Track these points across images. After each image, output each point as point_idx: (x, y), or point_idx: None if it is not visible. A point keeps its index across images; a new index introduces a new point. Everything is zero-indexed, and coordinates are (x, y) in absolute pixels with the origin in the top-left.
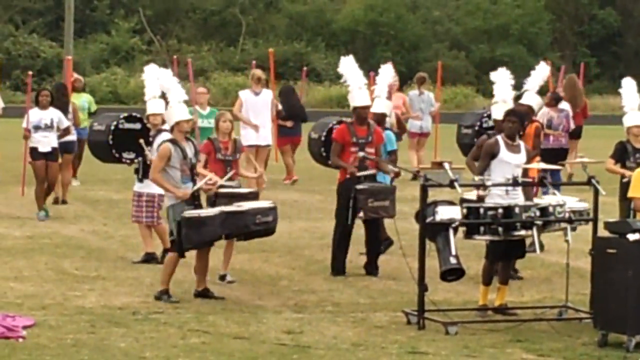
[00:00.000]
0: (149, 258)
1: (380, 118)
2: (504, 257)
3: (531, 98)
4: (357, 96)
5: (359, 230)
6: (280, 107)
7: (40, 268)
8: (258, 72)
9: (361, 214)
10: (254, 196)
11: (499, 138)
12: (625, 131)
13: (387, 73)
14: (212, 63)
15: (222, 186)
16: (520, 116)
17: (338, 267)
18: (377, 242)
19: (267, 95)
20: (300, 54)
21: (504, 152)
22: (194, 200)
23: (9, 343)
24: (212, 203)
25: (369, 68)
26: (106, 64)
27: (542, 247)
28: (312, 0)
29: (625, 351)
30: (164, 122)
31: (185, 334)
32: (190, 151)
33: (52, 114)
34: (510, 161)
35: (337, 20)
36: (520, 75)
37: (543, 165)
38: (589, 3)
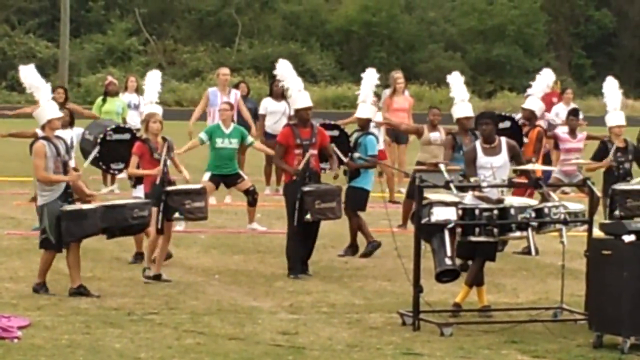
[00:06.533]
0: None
1: (365, 123)
2: (471, 258)
3: (534, 103)
4: (298, 98)
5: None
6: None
7: (36, 268)
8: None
9: (308, 216)
10: (204, 191)
11: (477, 144)
12: (608, 130)
13: (370, 78)
14: (208, 63)
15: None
16: (492, 117)
17: (294, 267)
18: (313, 243)
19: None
20: (296, 55)
21: (480, 157)
22: (67, 197)
23: (4, 344)
24: (163, 200)
25: (364, 68)
26: (102, 64)
27: (537, 251)
28: (307, 1)
29: (620, 353)
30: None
31: (181, 335)
32: (62, 148)
33: (73, 134)
34: (487, 165)
35: (331, 20)
36: (517, 76)
37: (537, 167)
38: (584, 4)
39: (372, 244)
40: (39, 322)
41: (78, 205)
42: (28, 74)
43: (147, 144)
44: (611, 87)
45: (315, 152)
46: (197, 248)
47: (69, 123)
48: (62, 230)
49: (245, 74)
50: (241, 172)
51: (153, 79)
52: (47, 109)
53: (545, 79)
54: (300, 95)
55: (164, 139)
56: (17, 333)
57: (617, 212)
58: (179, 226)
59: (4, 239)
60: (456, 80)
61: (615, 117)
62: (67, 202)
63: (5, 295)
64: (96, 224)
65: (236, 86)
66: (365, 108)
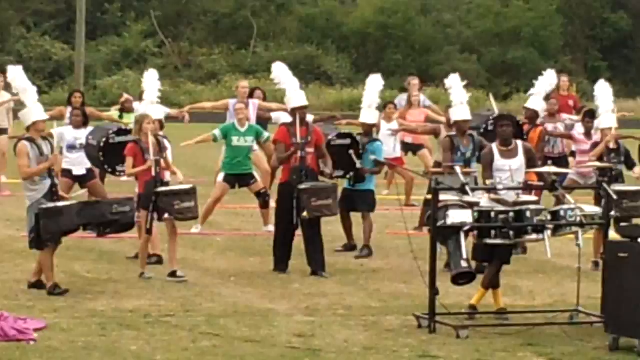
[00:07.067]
0: (157, 260)
1: (369, 129)
2: (487, 260)
3: (537, 102)
4: (294, 98)
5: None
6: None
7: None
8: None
9: (305, 214)
10: (194, 192)
11: (493, 146)
12: (600, 132)
13: (375, 83)
14: (224, 66)
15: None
16: (511, 119)
17: (281, 267)
18: (320, 241)
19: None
20: (312, 57)
21: (498, 159)
22: (52, 196)
23: (20, 346)
24: (153, 202)
25: (380, 71)
26: (117, 67)
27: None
28: (322, 3)
29: (637, 355)
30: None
31: (196, 337)
32: (46, 149)
33: (87, 133)
34: (504, 167)
35: (347, 22)
36: (532, 78)
37: (554, 169)
38: (600, 7)
39: (349, 245)
40: (55, 324)
41: (53, 203)
42: (16, 75)
43: (139, 145)
44: (603, 90)
45: (311, 150)
46: (213, 250)
47: (83, 123)
48: (40, 227)
49: (261, 76)
50: (255, 173)
51: (151, 79)
52: (33, 111)
53: (548, 79)
54: (296, 95)
55: (157, 139)
56: (33, 335)
57: (612, 213)
58: (194, 229)
59: (21, 241)
60: (455, 83)
61: (606, 119)
62: (54, 201)
63: (21, 297)
64: (73, 220)
65: (251, 93)
66: (370, 114)
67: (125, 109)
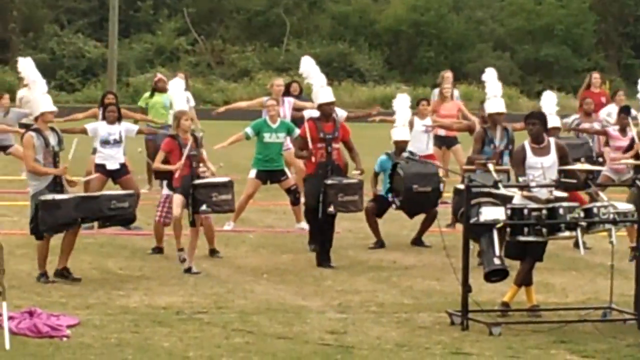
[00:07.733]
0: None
1: (404, 146)
2: (519, 258)
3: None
4: (322, 94)
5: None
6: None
7: (85, 267)
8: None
9: (331, 209)
10: (231, 185)
11: (526, 143)
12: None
13: (404, 102)
14: (257, 63)
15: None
16: (540, 117)
17: (322, 262)
18: (331, 234)
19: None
20: (344, 55)
21: (530, 157)
22: (55, 187)
23: (53, 342)
24: (191, 194)
25: (413, 68)
26: (150, 64)
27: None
28: (355, 1)
29: None
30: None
31: (229, 334)
32: (53, 140)
33: (121, 128)
34: (537, 165)
35: (380, 20)
36: (565, 76)
37: (587, 167)
38: (634, 4)
39: (380, 242)
40: (88, 321)
41: (51, 196)
42: (26, 66)
43: (177, 140)
44: None
45: (337, 146)
46: (245, 247)
47: (117, 119)
48: (38, 219)
49: (294, 74)
50: (286, 170)
51: (177, 88)
52: (41, 102)
53: (548, 100)
54: (323, 91)
55: (193, 135)
56: (66, 332)
57: None
58: (227, 226)
59: (52, 238)
60: (491, 77)
61: None
62: (56, 192)
63: (54, 294)
64: (70, 214)
65: (287, 87)
66: (402, 131)
67: (158, 89)
